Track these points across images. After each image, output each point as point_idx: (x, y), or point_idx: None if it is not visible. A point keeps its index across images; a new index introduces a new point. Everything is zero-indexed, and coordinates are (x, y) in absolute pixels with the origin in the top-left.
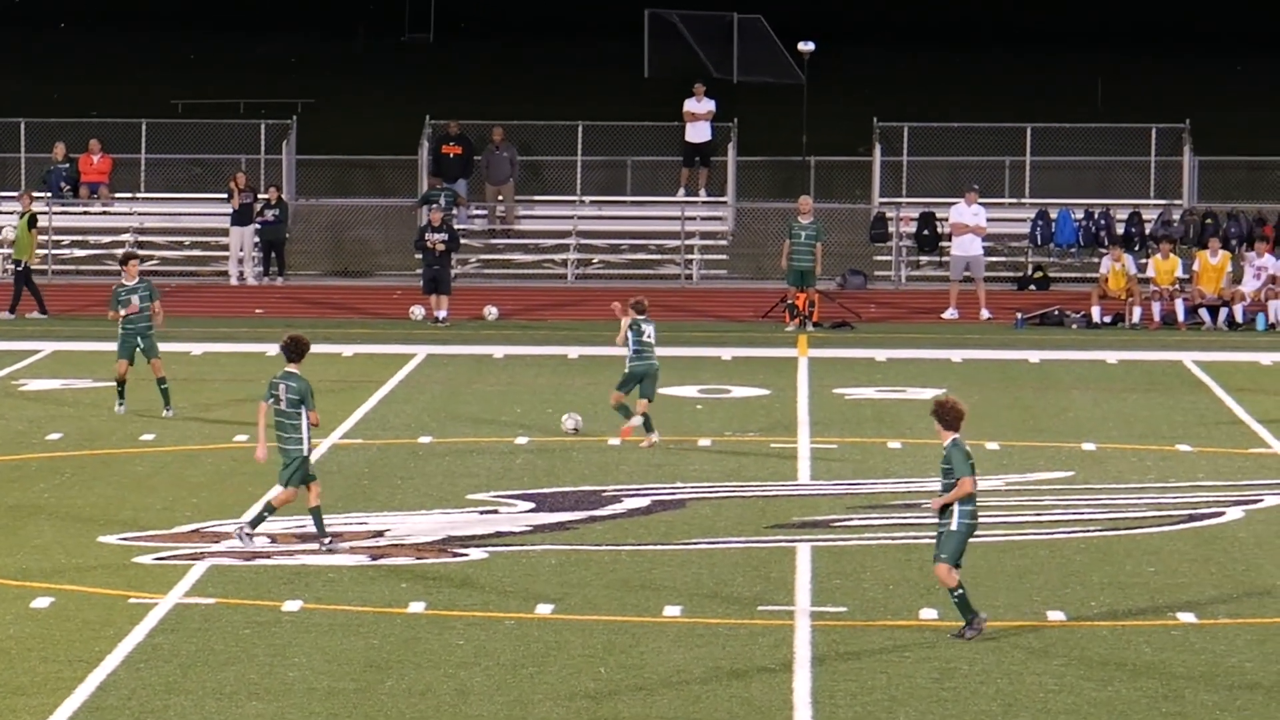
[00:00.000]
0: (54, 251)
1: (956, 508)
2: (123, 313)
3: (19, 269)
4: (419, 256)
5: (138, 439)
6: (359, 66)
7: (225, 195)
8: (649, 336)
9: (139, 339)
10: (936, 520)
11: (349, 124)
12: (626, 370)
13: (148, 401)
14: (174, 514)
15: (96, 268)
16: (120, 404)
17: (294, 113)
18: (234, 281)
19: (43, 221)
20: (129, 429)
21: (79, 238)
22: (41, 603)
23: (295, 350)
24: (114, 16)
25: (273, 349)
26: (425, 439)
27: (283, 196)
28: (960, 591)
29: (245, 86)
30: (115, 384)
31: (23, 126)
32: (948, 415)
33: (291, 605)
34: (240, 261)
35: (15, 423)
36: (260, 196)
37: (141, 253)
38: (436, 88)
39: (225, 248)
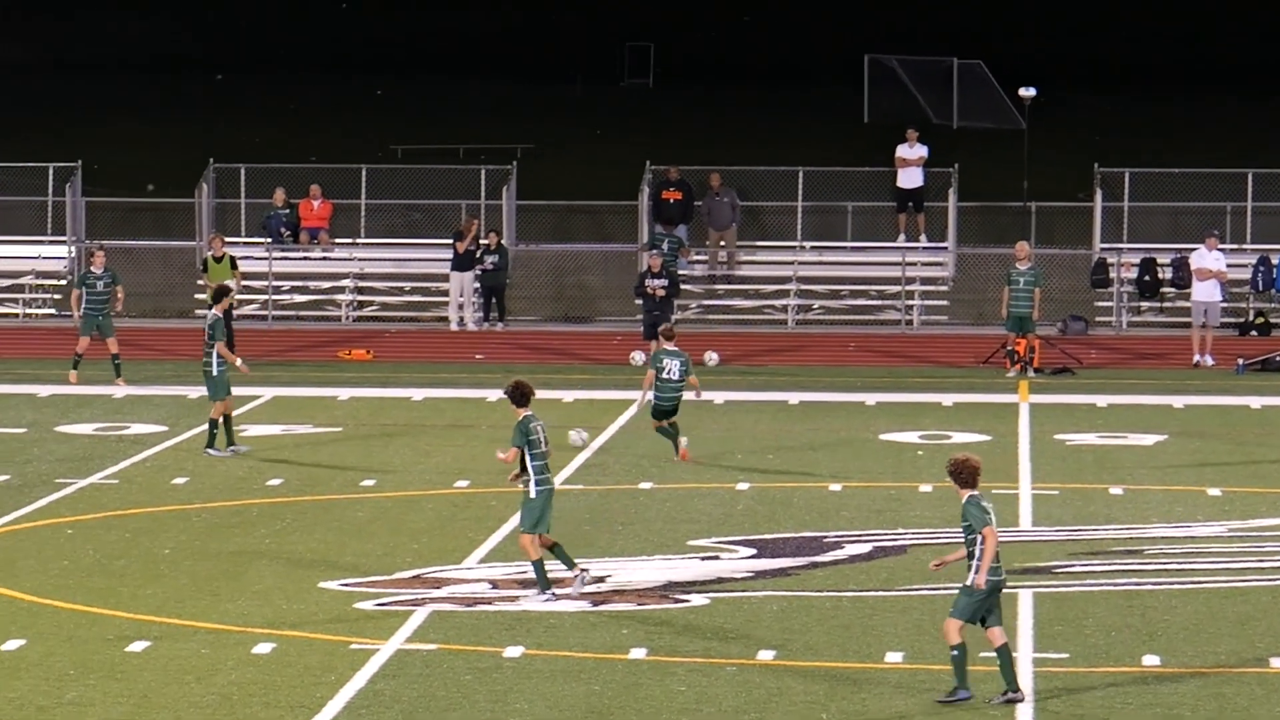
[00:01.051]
0: (274, 297)
1: (976, 564)
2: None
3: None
4: (639, 302)
5: (358, 485)
6: (578, 112)
7: (449, 240)
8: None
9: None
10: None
11: (569, 169)
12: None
13: (367, 449)
14: (394, 559)
15: (317, 313)
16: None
17: (513, 158)
18: (454, 327)
19: (261, 266)
20: (349, 475)
21: (299, 283)
22: (263, 649)
23: (519, 395)
24: (333, 62)
25: (493, 394)
26: (646, 485)
27: (503, 242)
28: (957, 653)
29: (464, 132)
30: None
31: (243, 172)
32: (963, 473)
33: (513, 651)
34: (460, 307)
35: (236, 468)
36: (480, 242)
37: (361, 298)
38: (656, 133)
39: (445, 293)
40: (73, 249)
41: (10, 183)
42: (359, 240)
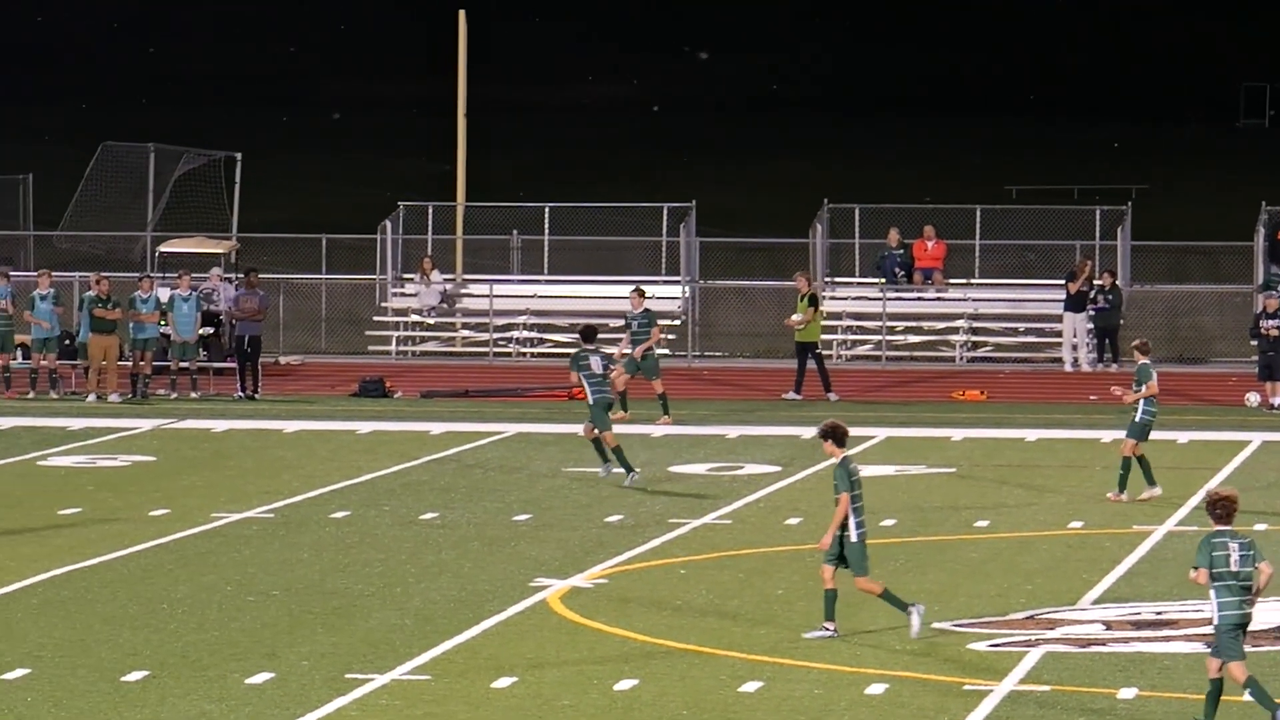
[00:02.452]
0: (888, 337)
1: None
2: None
3: (814, 350)
4: (1254, 343)
5: (971, 525)
6: (1193, 152)
7: (1063, 280)
8: None
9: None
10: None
11: (1183, 210)
12: None
13: (980, 489)
14: (1008, 600)
15: (930, 353)
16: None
17: (1128, 199)
18: (1068, 368)
19: (875, 307)
20: (962, 515)
21: (912, 323)
22: (876, 689)
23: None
24: (948, 104)
25: (1107, 435)
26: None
27: (1116, 283)
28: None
29: (1078, 173)
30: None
31: (857, 212)
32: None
33: (1127, 693)
34: (1074, 347)
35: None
36: (1094, 282)
37: (975, 338)
38: (1273, 172)
39: (1059, 334)
40: (686, 289)
41: (624, 223)
42: (973, 280)
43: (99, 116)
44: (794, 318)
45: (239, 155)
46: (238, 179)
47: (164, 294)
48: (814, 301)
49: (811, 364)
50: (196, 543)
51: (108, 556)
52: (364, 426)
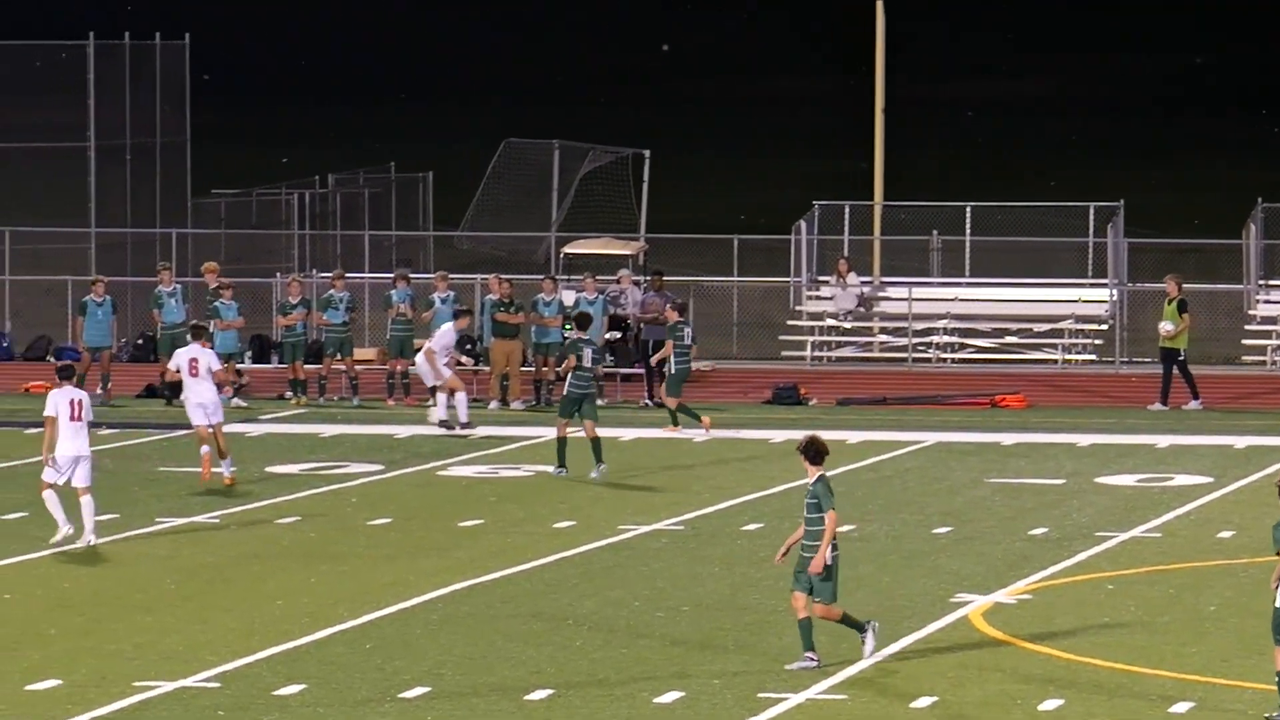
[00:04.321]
0: None
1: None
2: None
3: (1178, 358)
4: None
5: None
6: None
7: None
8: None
9: None
10: None
11: None
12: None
13: None
14: None
15: None
16: None
17: None
18: None
19: None
20: None
21: None
22: (1179, 708)
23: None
24: None
25: None
26: None
27: None
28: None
29: None
30: None
31: None
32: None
33: None
34: None
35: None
36: None
37: None
38: None
39: None
40: (1114, 292)
41: (1051, 223)
42: None
43: (501, 113)
44: (1165, 326)
45: (647, 152)
46: (646, 177)
47: (569, 297)
48: (1183, 307)
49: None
50: (603, 556)
51: (510, 570)
52: (777, 435)
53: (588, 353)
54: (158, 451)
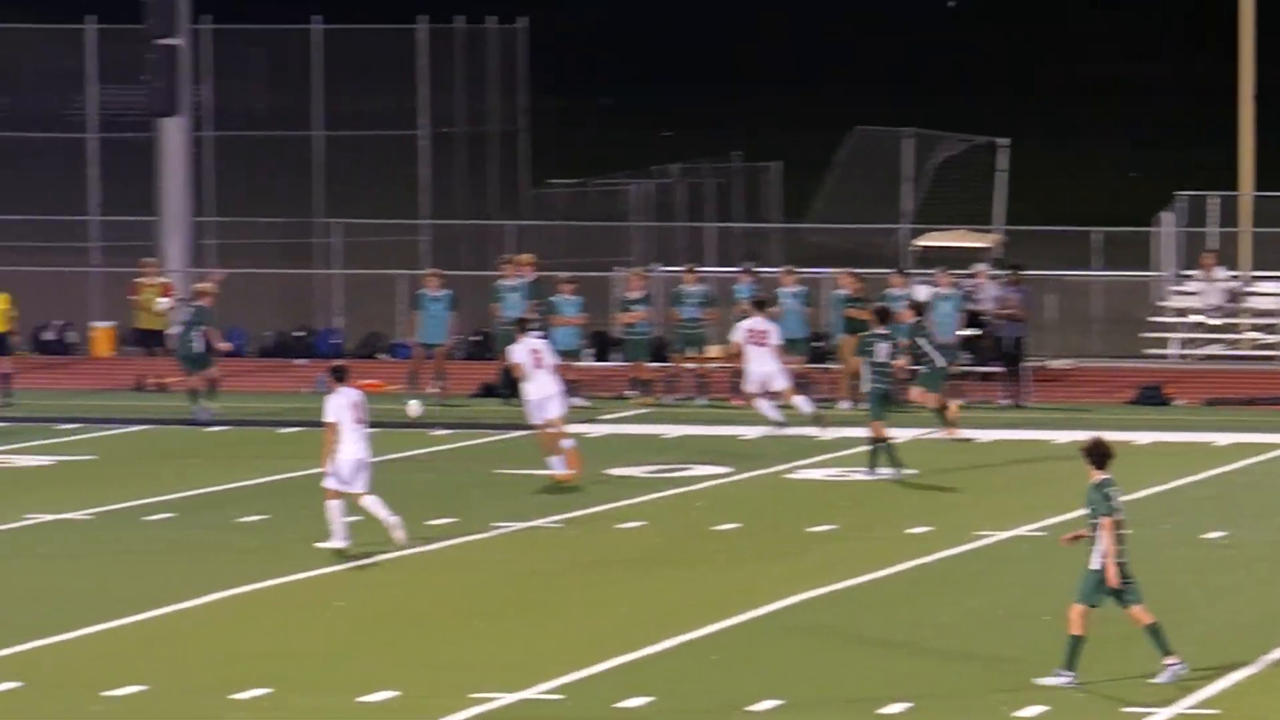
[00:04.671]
0: None
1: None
2: None
3: None
4: None
5: None
6: None
7: None
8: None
9: None
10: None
11: None
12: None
13: None
14: None
15: None
16: None
17: None
18: None
19: None
20: None
21: None
22: None
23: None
24: None
25: None
26: None
27: None
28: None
29: None
30: None
31: None
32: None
33: None
34: None
35: None
36: None
37: None
38: None
39: None
40: None
41: None
42: None
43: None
44: None
45: (1005, 141)
46: (1004, 167)
47: (922, 291)
48: None
49: None
50: (962, 563)
51: (863, 578)
52: (1142, 437)
53: (883, 348)
54: (495, 453)
